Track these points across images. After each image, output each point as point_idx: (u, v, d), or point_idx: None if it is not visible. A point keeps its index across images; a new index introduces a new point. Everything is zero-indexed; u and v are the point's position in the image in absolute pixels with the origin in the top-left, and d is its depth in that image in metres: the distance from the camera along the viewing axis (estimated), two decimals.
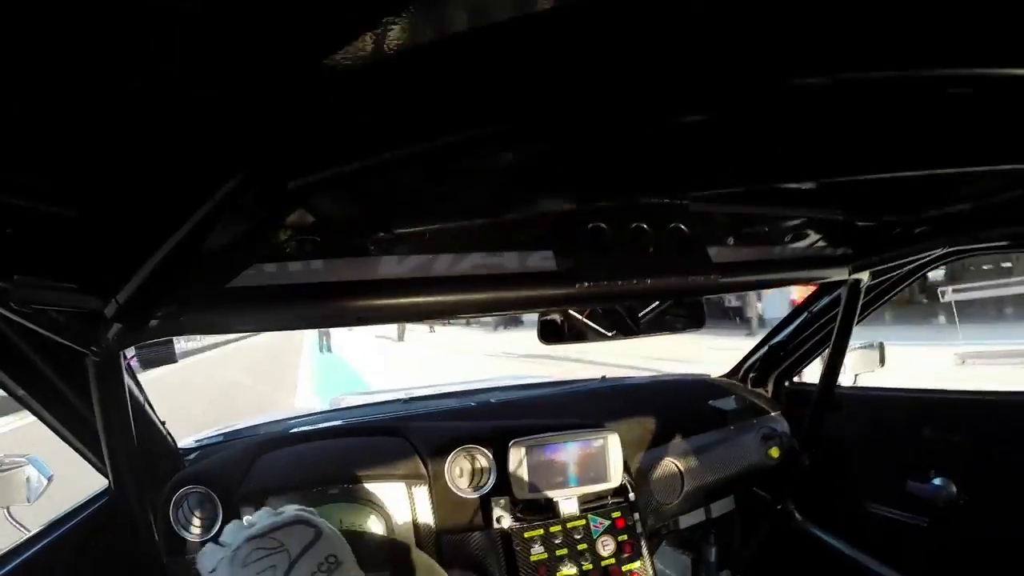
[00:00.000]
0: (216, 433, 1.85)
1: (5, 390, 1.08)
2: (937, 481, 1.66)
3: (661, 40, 0.40)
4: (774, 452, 1.90)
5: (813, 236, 1.36)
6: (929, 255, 1.40)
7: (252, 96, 0.47)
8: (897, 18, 0.40)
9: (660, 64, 0.40)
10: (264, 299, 0.84)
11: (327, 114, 0.45)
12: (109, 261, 0.66)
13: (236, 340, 21.88)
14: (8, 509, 1.30)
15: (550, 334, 1.38)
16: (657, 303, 1.47)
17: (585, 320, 1.39)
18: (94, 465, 1.29)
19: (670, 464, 1.79)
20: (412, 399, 2.14)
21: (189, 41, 0.42)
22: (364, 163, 0.43)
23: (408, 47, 0.43)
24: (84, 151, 0.54)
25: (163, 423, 1.48)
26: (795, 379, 2.16)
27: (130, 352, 1.22)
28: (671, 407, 1.95)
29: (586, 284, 0.89)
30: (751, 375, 2.17)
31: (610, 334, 1.42)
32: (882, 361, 2.08)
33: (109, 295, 0.66)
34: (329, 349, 16.21)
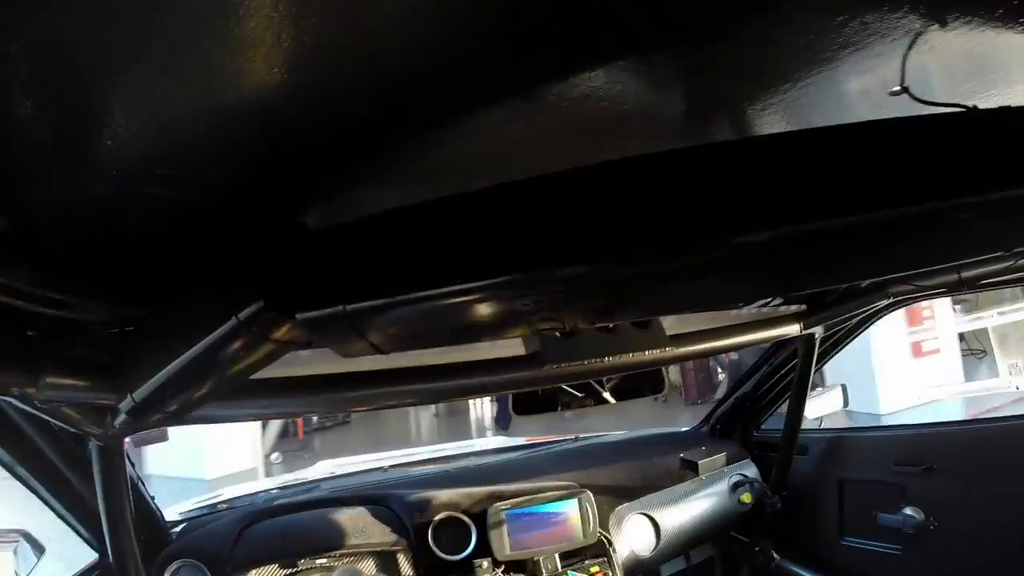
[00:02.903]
0: (200, 505, 1.87)
1: (6, 468, 1.13)
2: (907, 511, 1.76)
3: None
4: (746, 497, 1.99)
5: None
6: (876, 306, 1.55)
7: (274, 241, 0.57)
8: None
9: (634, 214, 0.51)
10: (260, 392, 0.92)
11: (334, 260, 0.56)
12: (128, 362, 0.73)
13: None
14: None
15: (523, 406, 1.47)
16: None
17: (556, 390, 1.48)
18: (86, 540, 1.33)
19: (645, 516, 1.86)
20: (392, 467, 2.19)
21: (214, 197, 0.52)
22: (364, 305, 0.53)
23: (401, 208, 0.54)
24: (115, 264, 0.62)
25: (152, 497, 1.51)
26: (762, 426, 2.26)
27: None
28: (643, 461, 2.03)
29: (552, 366, 0.99)
30: (718, 427, 2.28)
31: (580, 397, 1.52)
32: (845, 402, 2.21)
33: (125, 391, 0.72)
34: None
